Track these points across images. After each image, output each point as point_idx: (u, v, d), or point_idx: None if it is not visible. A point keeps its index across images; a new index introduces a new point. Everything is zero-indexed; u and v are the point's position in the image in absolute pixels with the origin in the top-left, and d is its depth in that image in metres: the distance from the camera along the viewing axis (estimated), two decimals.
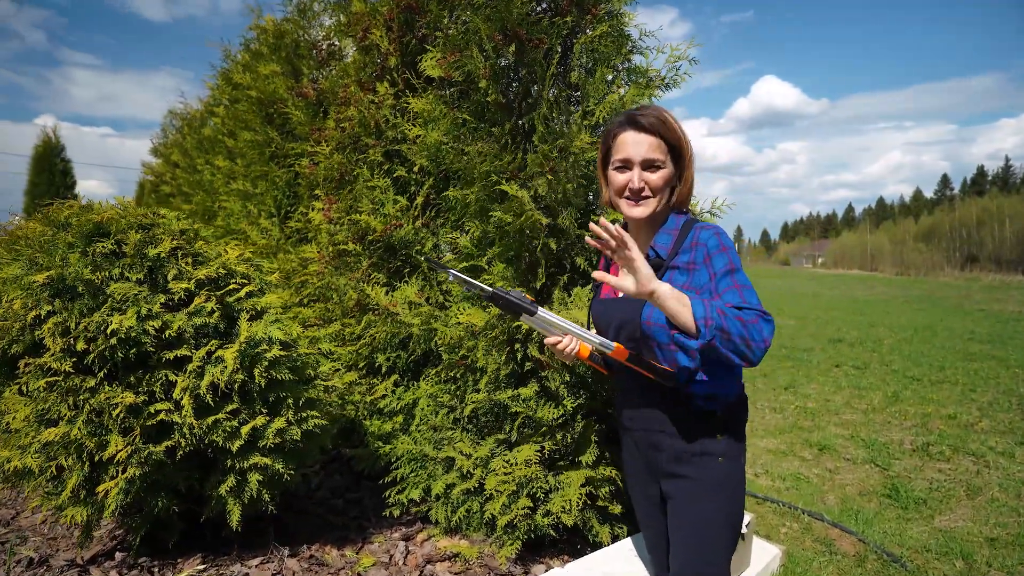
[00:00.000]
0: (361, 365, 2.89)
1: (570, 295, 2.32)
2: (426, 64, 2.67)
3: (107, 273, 1.58)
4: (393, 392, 2.72)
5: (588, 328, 1.55)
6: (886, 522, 3.07)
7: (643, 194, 1.37)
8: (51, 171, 11.86)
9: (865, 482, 3.64)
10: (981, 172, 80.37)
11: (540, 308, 1.39)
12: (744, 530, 2.25)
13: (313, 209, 3.59)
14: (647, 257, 1.38)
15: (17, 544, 2.08)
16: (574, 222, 2.35)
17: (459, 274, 1.41)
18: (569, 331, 1.39)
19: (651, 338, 1.35)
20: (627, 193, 1.38)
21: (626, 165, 1.38)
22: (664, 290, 1.20)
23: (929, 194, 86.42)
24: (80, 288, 1.49)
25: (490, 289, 1.37)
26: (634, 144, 1.36)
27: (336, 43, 4.57)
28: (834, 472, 3.82)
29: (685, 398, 1.37)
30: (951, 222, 49.75)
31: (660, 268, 1.37)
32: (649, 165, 1.36)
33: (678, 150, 1.38)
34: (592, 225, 1.23)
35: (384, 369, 2.79)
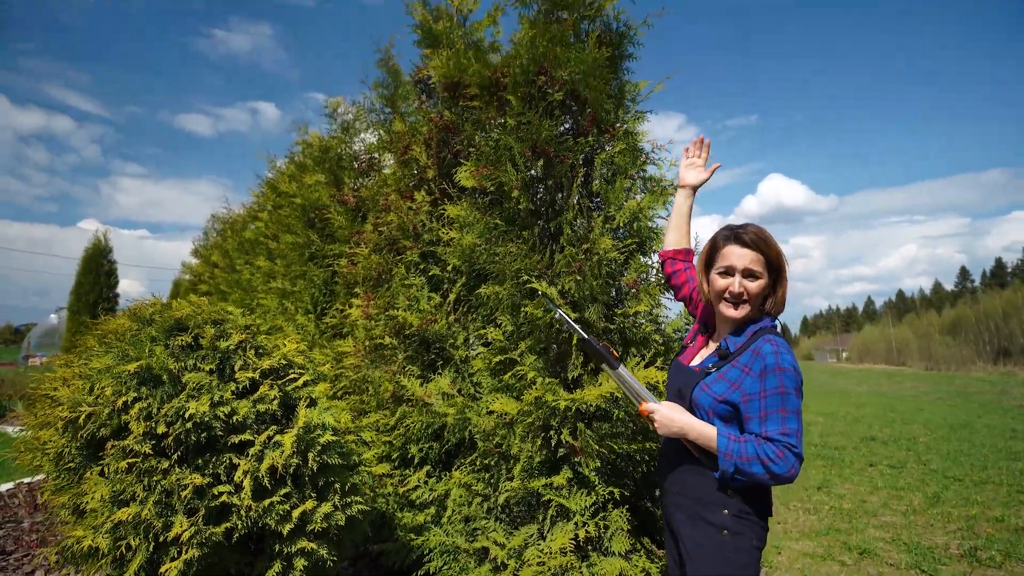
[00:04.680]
0: (394, 456, 2.96)
1: (597, 381, 2.44)
2: (461, 175, 2.99)
3: (183, 364, 1.76)
4: (425, 483, 2.77)
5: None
6: None
7: (742, 298, 1.59)
8: (97, 271, 12.63)
9: None
10: (1000, 264, 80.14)
11: (621, 366, 1.70)
12: None
13: (351, 306, 3.83)
14: (719, 347, 1.63)
15: None
16: (601, 316, 2.51)
17: (564, 313, 1.89)
18: (635, 388, 1.66)
19: (697, 410, 1.58)
20: (727, 295, 1.61)
21: (729, 272, 1.61)
22: (688, 430, 1.53)
23: (949, 286, 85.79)
24: (164, 376, 1.67)
25: (585, 335, 1.79)
26: (738, 256, 1.59)
27: (376, 156, 5.06)
28: None
29: (703, 466, 1.55)
30: (976, 314, 48.91)
31: (726, 358, 1.59)
32: (749, 274, 1.59)
33: (775, 264, 1.61)
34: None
35: (417, 460, 2.87)
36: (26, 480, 4.43)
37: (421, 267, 3.34)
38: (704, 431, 1.51)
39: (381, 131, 4.60)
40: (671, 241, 2.00)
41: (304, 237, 5.32)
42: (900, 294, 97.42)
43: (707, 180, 1.99)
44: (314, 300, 5.05)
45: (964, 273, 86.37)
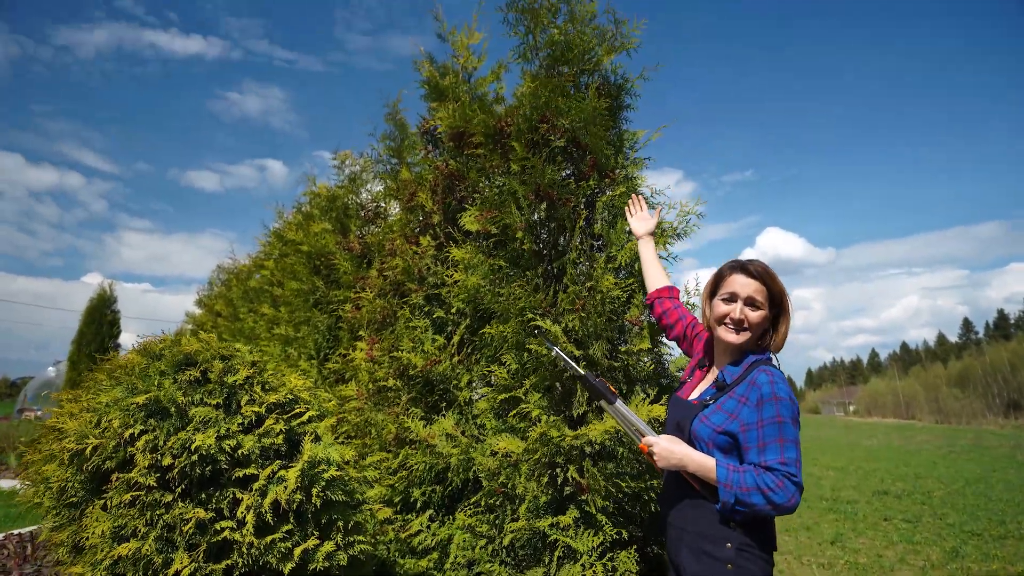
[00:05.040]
0: (396, 501, 2.90)
1: (602, 418, 2.42)
2: (466, 220, 3.07)
3: (191, 397, 1.77)
4: (428, 527, 2.71)
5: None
6: None
7: (743, 325, 1.61)
8: (100, 321, 12.68)
9: None
10: (1003, 316, 80.00)
11: (619, 400, 1.71)
12: None
13: (355, 349, 3.84)
14: (717, 379, 1.64)
15: None
16: (605, 353, 2.52)
17: (559, 351, 1.92)
18: (634, 423, 1.65)
19: (697, 442, 1.58)
20: (727, 321, 1.64)
21: (732, 299, 1.64)
22: (688, 462, 1.53)
23: (953, 338, 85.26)
24: (172, 409, 1.67)
25: (581, 371, 1.81)
26: (742, 285, 1.63)
27: (382, 204, 5.19)
28: None
29: (705, 499, 1.54)
30: (983, 366, 48.35)
31: (723, 390, 1.60)
32: (751, 303, 1.62)
33: (777, 299, 1.65)
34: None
35: (419, 504, 2.80)
36: (15, 531, 4.31)
37: (426, 310, 3.37)
38: (703, 462, 1.51)
39: (388, 180, 4.73)
40: (651, 283, 2.17)
41: (309, 283, 5.37)
42: (904, 346, 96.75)
43: (657, 223, 2.36)
44: (317, 346, 5.05)
45: (968, 325, 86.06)
